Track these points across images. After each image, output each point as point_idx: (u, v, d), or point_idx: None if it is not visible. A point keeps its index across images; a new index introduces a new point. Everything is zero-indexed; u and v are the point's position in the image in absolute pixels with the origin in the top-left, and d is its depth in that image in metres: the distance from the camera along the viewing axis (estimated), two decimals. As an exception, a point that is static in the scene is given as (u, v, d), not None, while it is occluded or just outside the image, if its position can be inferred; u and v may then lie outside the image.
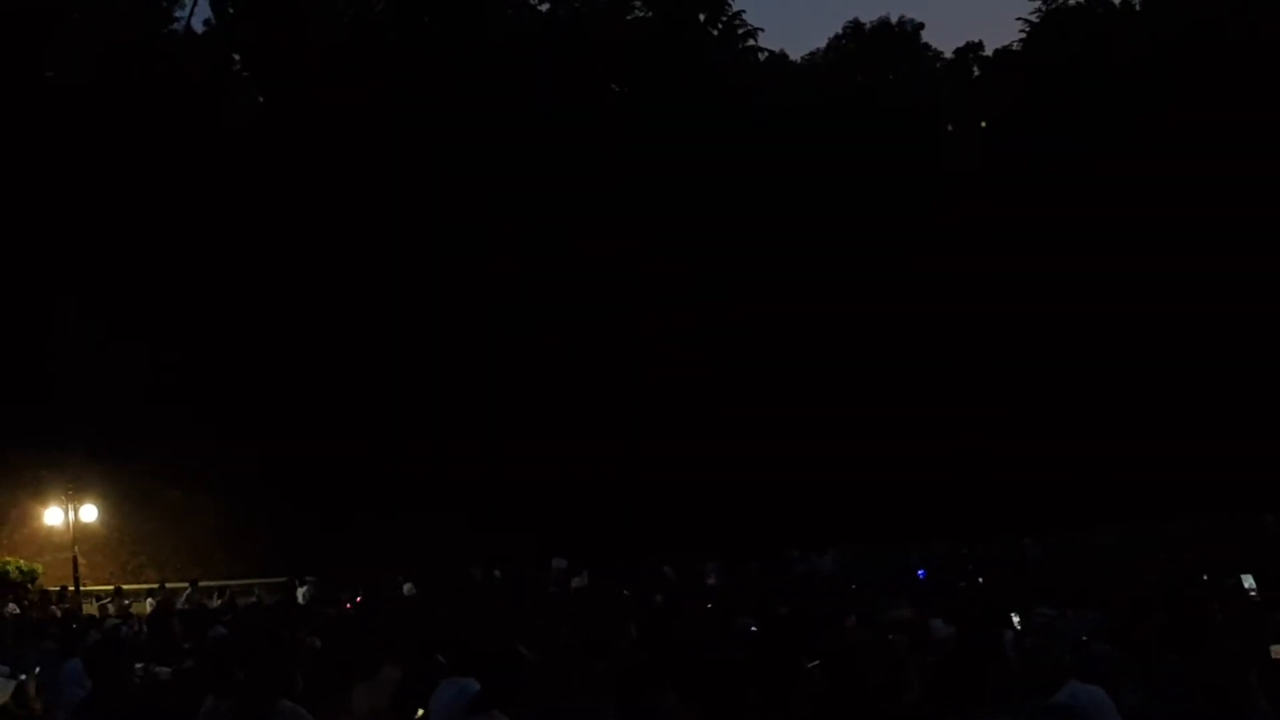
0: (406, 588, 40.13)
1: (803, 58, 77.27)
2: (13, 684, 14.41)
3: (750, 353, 57.49)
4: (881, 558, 41.94)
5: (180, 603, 38.18)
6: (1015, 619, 16.43)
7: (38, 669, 16.19)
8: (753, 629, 18.70)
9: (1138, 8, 72.12)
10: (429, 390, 52.11)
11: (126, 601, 39.08)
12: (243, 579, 43.02)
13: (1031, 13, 74.02)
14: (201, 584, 41.97)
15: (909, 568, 37.56)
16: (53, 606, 36.31)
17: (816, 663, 13.74)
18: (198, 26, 61.84)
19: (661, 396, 55.02)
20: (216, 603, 38.55)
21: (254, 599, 38.95)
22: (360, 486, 49.46)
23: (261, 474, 49.19)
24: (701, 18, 68.63)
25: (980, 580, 32.07)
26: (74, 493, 46.76)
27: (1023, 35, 74.42)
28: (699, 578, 39.78)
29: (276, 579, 42.75)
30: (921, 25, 78.47)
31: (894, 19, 78.23)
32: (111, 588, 44.58)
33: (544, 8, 65.33)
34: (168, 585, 42.24)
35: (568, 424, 53.14)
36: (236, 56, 61.46)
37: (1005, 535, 43.54)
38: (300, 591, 39.20)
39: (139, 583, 45.82)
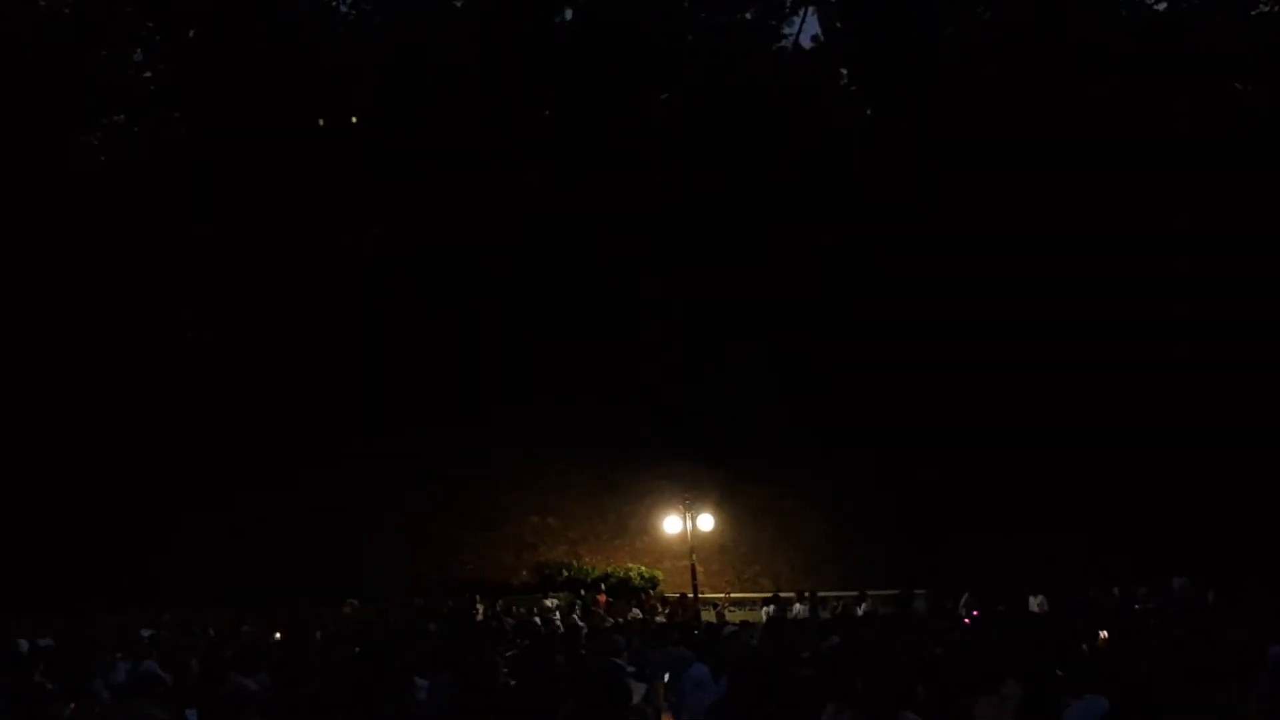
0: (1036, 602, 39.13)
1: None
2: (643, 686, 14.83)
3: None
4: None
5: (794, 612, 38.81)
6: None
7: (666, 674, 16.63)
8: None
9: None
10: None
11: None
12: (854, 590, 43.13)
13: None
14: (815, 594, 42.38)
15: None
16: (678, 612, 37.64)
17: None
18: (805, 42, 63.07)
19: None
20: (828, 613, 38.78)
21: (867, 610, 38.93)
22: (966, 502, 48.61)
23: (872, 487, 49.34)
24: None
25: None
26: (691, 502, 48.32)
27: None
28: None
29: (888, 591, 42.71)
30: None
31: None
32: (723, 595, 45.98)
33: (1161, 7, 62.29)
34: (780, 595, 42.94)
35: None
36: (844, 71, 61.99)
37: None
38: (913, 604, 38.98)
39: (754, 592, 46.92)
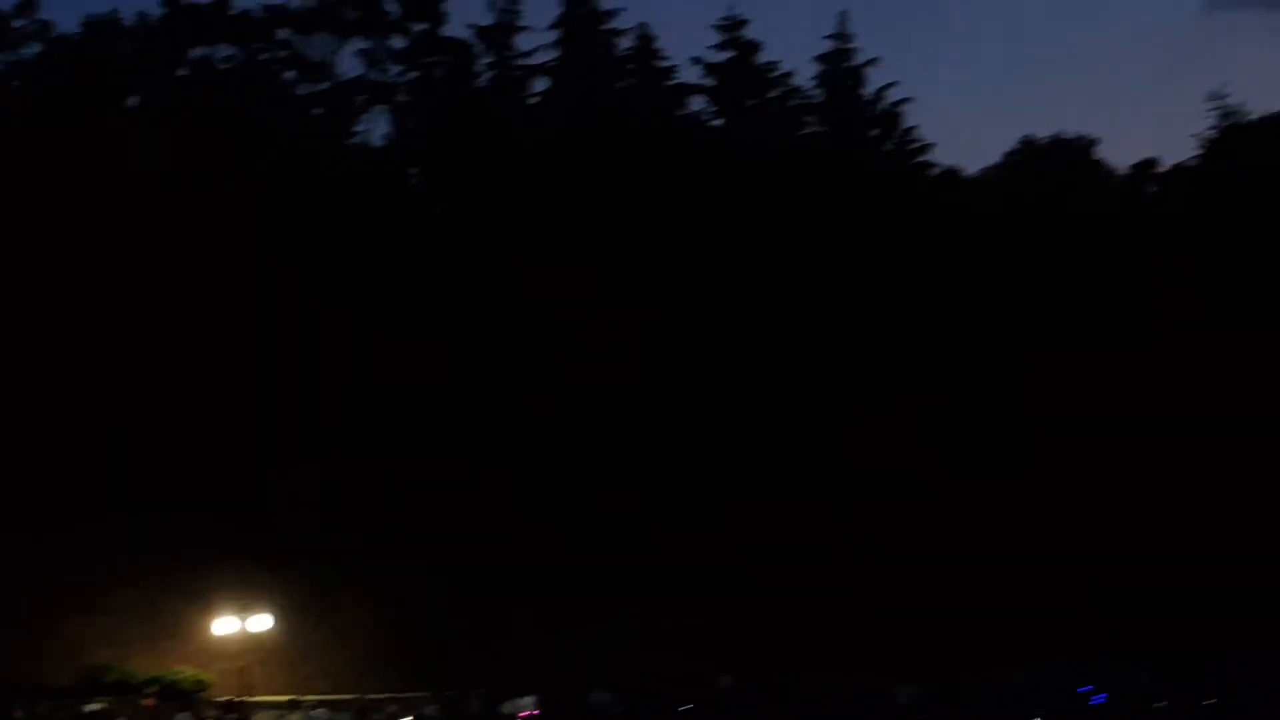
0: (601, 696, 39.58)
1: (977, 173, 76.85)
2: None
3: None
4: None
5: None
6: None
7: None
8: None
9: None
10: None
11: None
12: (411, 692, 43.01)
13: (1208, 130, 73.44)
14: (370, 696, 42.11)
15: None
16: (227, 716, 36.77)
17: None
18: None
19: None
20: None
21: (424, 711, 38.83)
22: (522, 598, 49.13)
23: (427, 587, 49.42)
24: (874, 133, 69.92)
25: None
26: (245, 603, 47.41)
27: (1200, 153, 73.76)
28: None
29: (445, 692, 42.67)
30: (1095, 141, 77.47)
31: (1067, 135, 77.30)
32: (286, 698, 45.21)
33: (717, 123, 65.48)
34: (333, 696, 42.61)
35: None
36: (413, 171, 62.97)
37: None
38: (472, 704, 39.06)
39: (307, 693, 46.22)
